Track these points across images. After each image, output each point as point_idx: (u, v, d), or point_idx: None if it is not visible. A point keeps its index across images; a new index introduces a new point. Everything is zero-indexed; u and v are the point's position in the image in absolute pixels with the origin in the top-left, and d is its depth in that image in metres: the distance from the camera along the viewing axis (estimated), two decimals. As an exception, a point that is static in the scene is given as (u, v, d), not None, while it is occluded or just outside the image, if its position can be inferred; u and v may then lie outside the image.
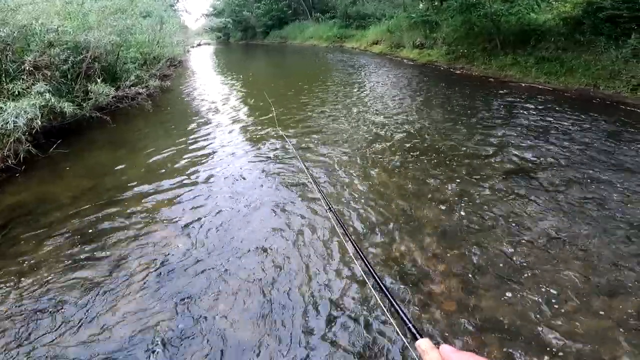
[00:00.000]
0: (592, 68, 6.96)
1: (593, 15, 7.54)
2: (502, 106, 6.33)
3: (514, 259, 2.54)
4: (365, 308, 2.22)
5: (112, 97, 6.12)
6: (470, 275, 2.42)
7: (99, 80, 5.81)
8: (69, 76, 5.75)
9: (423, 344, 0.59)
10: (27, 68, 4.85)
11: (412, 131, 5.27)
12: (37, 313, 2.29)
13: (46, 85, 4.70)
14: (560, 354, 1.86)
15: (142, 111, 6.85)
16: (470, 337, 1.99)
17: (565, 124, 5.20)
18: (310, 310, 2.22)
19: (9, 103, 4.16)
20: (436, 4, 12.22)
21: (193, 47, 27.23)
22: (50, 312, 2.29)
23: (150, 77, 8.05)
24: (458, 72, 10.09)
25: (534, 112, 5.83)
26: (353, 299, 2.29)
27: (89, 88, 5.67)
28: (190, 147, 5.10)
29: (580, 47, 7.57)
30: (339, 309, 2.22)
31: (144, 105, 6.85)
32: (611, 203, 3.14)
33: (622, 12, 6.95)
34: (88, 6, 6.47)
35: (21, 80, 4.72)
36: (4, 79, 4.75)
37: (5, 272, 2.68)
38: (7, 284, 2.55)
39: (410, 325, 0.65)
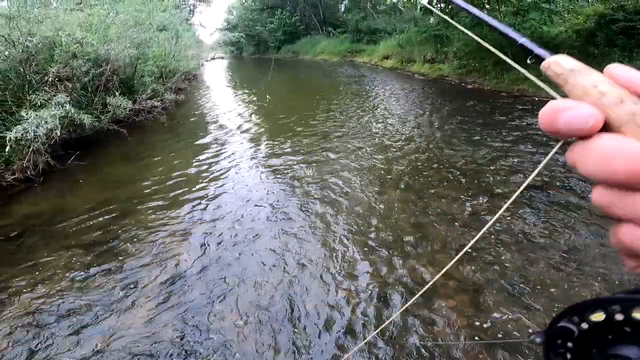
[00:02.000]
0: (607, 81, 6.88)
1: (606, 28, 7.49)
2: (515, 121, 6.26)
3: (527, 276, 2.48)
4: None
5: (129, 110, 6.28)
6: (481, 292, 2.36)
7: (117, 93, 5.97)
8: (89, 88, 5.93)
9: (563, 62, 0.28)
10: (50, 79, 5.01)
11: (423, 147, 5.25)
12: (50, 322, 2.32)
13: (67, 96, 4.84)
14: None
15: (158, 124, 7.02)
16: (482, 352, 1.93)
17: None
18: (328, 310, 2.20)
19: (30, 112, 4.30)
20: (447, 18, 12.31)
21: (207, 60, 27.94)
22: (62, 321, 2.32)
23: (166, 90, 8.26)
24: (470, 86, 10.07)
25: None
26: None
27: (107, 101, 5.83)
28: (204, 161, 5.15)
29: (594, 59, 7.49)
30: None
31: (159, 119, 7.01)
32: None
33: (635, 24, 6.89)
34: (110, 19, 6.68)
35: (43, 92, 4.86)
36: (26, 90, 4.91)
37: (20, 280, 2.74)
38: (22, 292, 2.60)
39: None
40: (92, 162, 5.19)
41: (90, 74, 5.72)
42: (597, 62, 7.40)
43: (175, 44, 10.49)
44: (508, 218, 3.17)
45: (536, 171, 0.44)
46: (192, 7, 26.57)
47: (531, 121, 6.08)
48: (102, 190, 4.26)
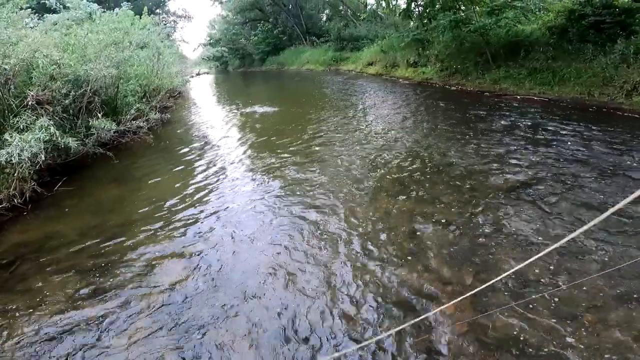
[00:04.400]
0: (584, 76, 7.01)
1: (577, 23, 7.68)
2: (499, 120, 6.38)
3: (524, 276, 2.48)
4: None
5: (114, 132, 6.12)
6: (480, 295, 2.35)
7: (100, 115, 5.81)
8: (70, 111, 5.76)
9: None
10: (30, 103, 4.87)
11: (411, 152, 5.29)
12: (46, 348, 2.26)
13: (49, 120, 4.72)
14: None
15: (144, 145, 6.90)
16: (486, 358, 1.92)
17: (563, 134, 5.21)
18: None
19: (14, 135, 4.18)
20: (425, 22, 12.52)
21: (192, 77, 27.79)
22: (58, 348, 2.26)
23: (151, 109, 8.11)
24: (453, 88, 10.23)
25: (531, 125, 5.85)
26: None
27: (90, 123, 5.67)
28: (194, 181, 5.04)
29: (569, 55, 7.66)
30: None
31: (146, 139, 6.90)
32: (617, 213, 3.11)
33: (604, 18, 7.06)
34: (86, 38, 6.46)
35: (25, 116, 4.69)
36: (7, 114, 4.77)
37: (14, 307, 2.67)
38: (16, 320, 2.53)
39: None
40: (80, 187, 5.06)
41: (71, 96, 5.57)
42: (572, 59, 7.58)
43: (157, 61, 10.32)
44: (500, 217, 3.20)
45: None
46: (173, 23, 26.58)
47: (514, 120, 6.20)
48: (93, 215, 4.16)
